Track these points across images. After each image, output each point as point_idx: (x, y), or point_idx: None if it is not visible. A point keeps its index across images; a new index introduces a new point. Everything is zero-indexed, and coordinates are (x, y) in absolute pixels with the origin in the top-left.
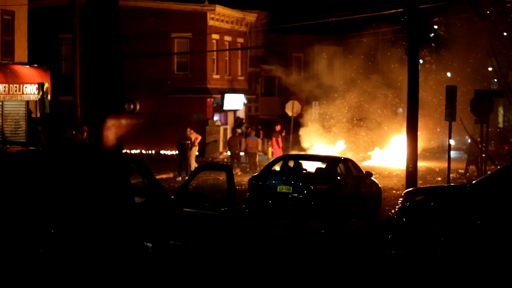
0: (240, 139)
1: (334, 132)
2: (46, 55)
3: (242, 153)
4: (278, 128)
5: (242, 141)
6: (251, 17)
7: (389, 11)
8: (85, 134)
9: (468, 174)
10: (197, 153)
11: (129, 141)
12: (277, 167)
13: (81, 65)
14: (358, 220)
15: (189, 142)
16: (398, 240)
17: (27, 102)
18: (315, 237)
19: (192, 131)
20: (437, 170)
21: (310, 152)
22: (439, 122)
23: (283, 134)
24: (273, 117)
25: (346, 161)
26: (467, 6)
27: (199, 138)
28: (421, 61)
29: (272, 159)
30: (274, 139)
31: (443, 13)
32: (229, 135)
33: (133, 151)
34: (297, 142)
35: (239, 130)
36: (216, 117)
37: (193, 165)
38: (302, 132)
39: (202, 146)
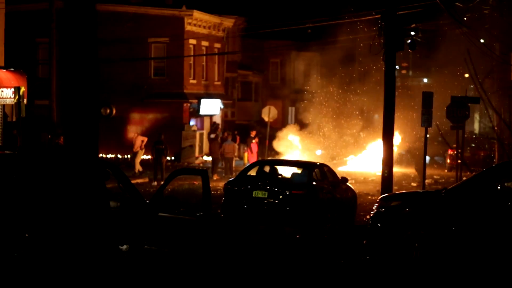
0: (219, 144)
1: (310, 137)
2: (23, 59)
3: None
4: (252, 134)
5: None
6: (228, 22)
7: (366, 17)
8: (61, 138)
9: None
10: (143, 156)
11: (104, 145)
12: (253, 172)
13: (58, 70)
14: (333, 225)
15: (164, 147)
16: (373, 245)
17: (3, 106)
18: (291, 242)
19: (136, 134)
20: (412, 175)
21: (286, 157)
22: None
23: (257, 140)
24: (249, 122)
25: (322, 167)
26: (445, 13)
27: (145, 140)
28: (397, 67)
29: (248, 164)
30: (251, 144)
31: (420, 19)
32: (205, 140)
33: (108, 156)
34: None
35: (212, 135)
36: (192, 122)
37: (137, 167)
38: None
39: (178, 151)
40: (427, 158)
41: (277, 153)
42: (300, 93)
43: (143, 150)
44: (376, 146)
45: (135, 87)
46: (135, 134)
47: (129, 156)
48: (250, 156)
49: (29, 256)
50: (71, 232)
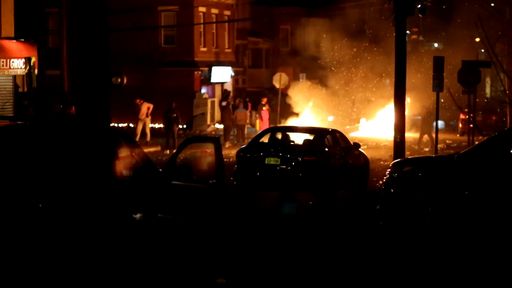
0: (231, 111)
1: (322, 103)
2: (33, 30)
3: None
4: (263, 101)
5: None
6: None
7: None
8: (73, 108)
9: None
10: (153, 125)
11: (116, 114)
12: (265, 139)
13: (68, 39)
14: (346, 191)
15: (176, 115)
16: (386, 211)
17: (14, 76)
18: (304, 208)
19: (142, 101)
20: (424, 140)
21: (298, 123)
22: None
23: (267, 107)
24: (260, 89)
25: (334, 133)
26: None
27: (151, 107)
28: (408, 32)
29: (259, 131)
30: (261, 111)
31: None
32: (216, 108)
33: (120, 125)
34: (285, 114)
35: (224, 103)
36: (203, 90)
37: (148, 135)
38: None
39: (190, 119)
40: (442, 122)
41: (292, 114)
42: (311, 60)
43: (150, 118)
44: (387, 111)
45: (146, 55)
46: (141, 100)
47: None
48: (261, 123)
49: (43, 226)
50: (85, 202)
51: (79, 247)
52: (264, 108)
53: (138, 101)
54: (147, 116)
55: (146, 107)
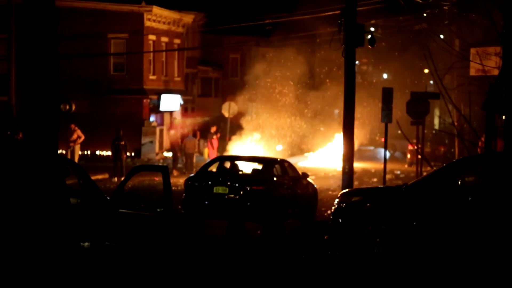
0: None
1: (270, 133)
2: None
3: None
4: (213, 129)
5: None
6: (188, 18)
7: (326, 13)
8: (21, 134)
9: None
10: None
11: (64, 141)
12: (213, 168)
13: (16, 66)
14: (294, 221)
15: (123, 143)
16: (334, 241)
17: None
18: (252, 238)
19: (76, 128)
20: (373, 171)
21: (246, 153)
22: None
23: (218, 135)
24: (210, 118)
25: (282, 162)
26: (405, 9)
27: (82, 137)
28: (357, 62)
29: (208, 160)
30: (209, 140)
31: (380, 16)
32: (165, 136)
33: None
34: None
35: (173, 131)
36: (152, 118)
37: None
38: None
39: (138, 147)
40: (399, 153)
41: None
42: (260, 88)
43: (78, 146)
44: (337, 142)
45: (95, 83)
46: (75, 127)
47: (89, 152)
48: (210, 151)
49: None
50: (32, 229)
51: (27, 275)
52: (214, 137)
53: (73, 126)
54: (75, 143)
55: (76, 135)
